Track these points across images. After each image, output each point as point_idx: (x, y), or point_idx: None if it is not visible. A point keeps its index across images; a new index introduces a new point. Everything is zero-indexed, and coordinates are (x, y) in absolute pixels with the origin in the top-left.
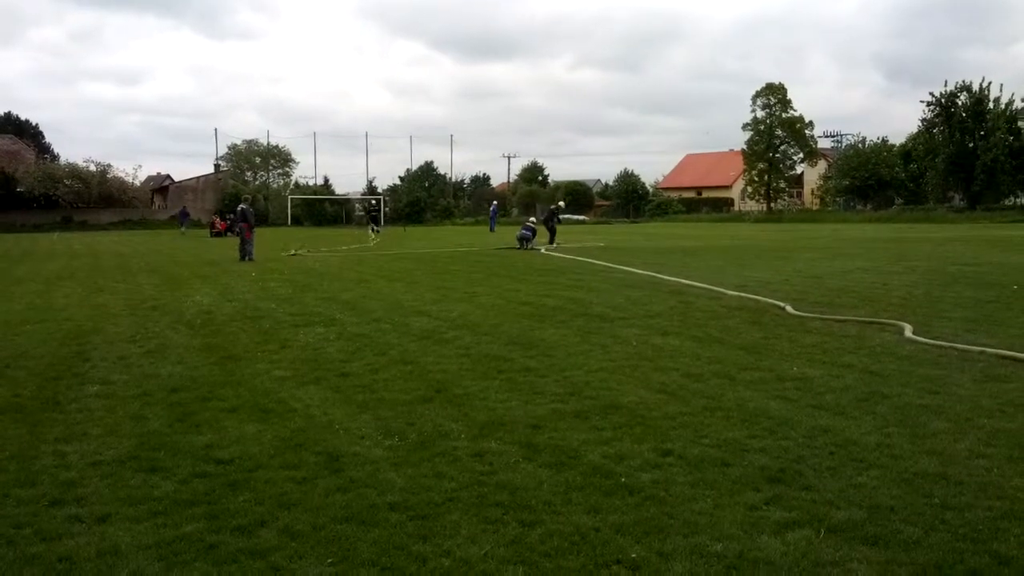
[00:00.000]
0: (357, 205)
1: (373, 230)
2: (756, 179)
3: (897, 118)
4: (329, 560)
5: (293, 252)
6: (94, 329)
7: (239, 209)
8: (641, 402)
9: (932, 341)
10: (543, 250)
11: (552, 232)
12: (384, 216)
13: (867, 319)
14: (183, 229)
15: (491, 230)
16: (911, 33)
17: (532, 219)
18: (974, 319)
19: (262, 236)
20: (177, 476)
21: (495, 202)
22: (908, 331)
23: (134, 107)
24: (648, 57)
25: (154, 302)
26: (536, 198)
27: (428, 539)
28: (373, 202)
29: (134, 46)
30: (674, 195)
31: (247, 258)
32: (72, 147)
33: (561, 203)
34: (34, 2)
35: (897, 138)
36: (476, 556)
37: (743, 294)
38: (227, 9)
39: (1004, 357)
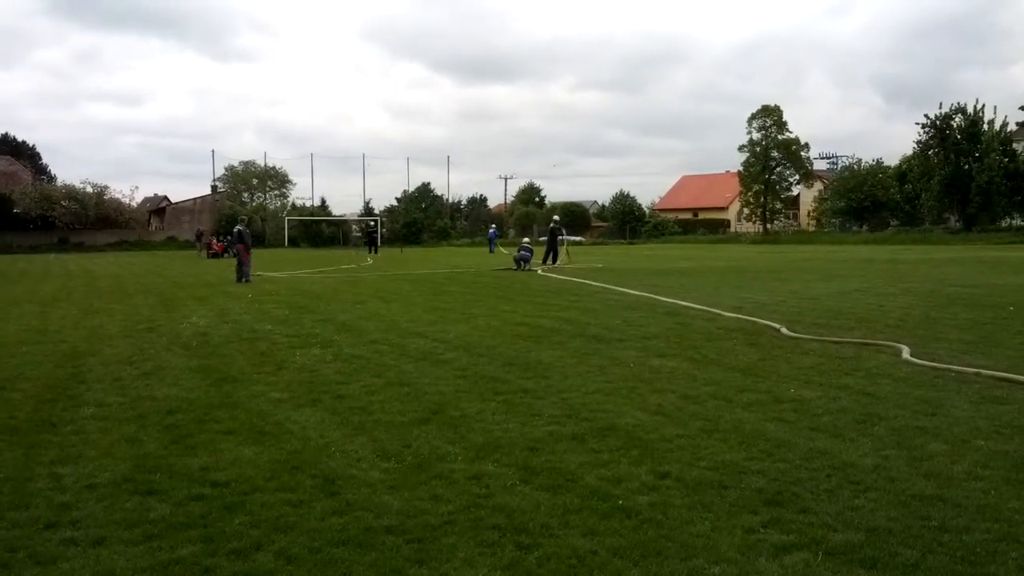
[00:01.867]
0: (354, 226)
1: (372, 250)
2: (752, 201)
3: (895, 139)
4: None
5: (257, 274)
6: (90, 351)
7: (236, 231)
8: (638, 424)
9: (928, 363)
10: (540, 271)
11: (554, 253)
12: (380, 237)
13: (864, 341)
14: (199, 251)
15: (491, 252)
16: (910, 54)
17: (526, 239)
18: (971, 341)
19: (259, 258)
20: (173, 499)
21: (493, 225)
22: (906, 353)
23: (134, 128)
24: (649, 79)
25: (150, 323)
26: (533, 219)
27: (425, 563)
28: (371, 224)
29: (137, 67)
30: (670, 216)
31: (244, 279)
32: (71, 168)
33: (556, 217)
34: (38, 23)
35: (895, 159)
36: None
37: (740, 315)
38: (230, 30)
39: (1001, 379)
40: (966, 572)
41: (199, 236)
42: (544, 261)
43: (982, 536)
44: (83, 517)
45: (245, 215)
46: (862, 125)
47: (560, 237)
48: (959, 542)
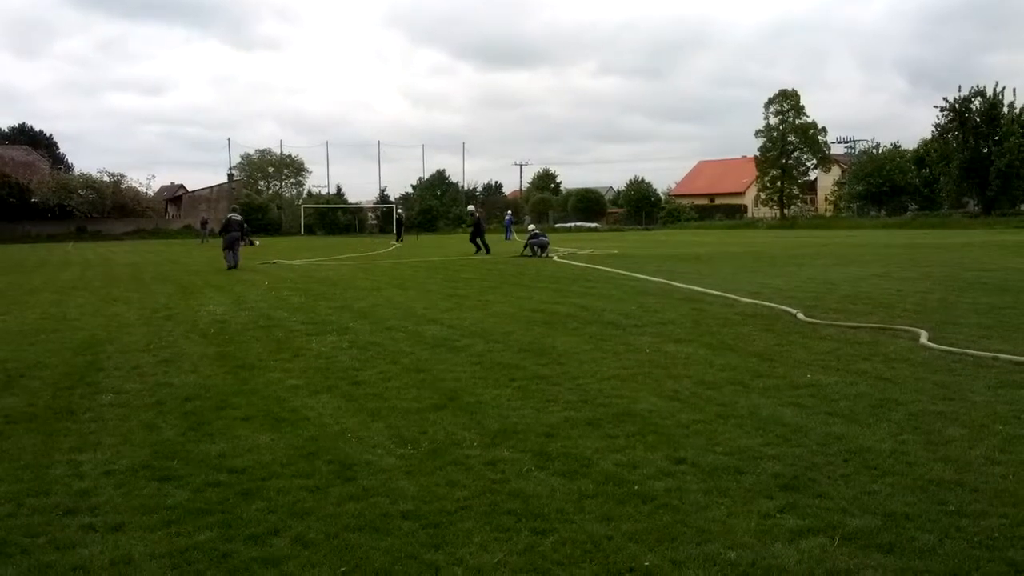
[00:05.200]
0: (370, 214)
1: (397, 238)
2: (769, 185)
3: (919, 123)
4: (342, 569)
5: (273, 262)
6: (108, 338)
7: (238, 219)
8: (654, 410)
9: (946, 347)
10: (556, 257)
11: (482, 242)
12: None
13: (881, 325)
14: (202, 239)
15: (507, 239)
16: (935, 38)
17: (532, 226)
18: (989, 325)
19: (275, 245)
20: (190, 485)
21: (509, 211)
22: (924, 337)
23: (156, 117)
24: (673, 64)
25: (168, 311)
26: (549, 206)
27: (440, 548)
28: (399, 212)
29: (161, 56)
30: (687, 202)
31: (234, 265)
32: (93, 157)
33: (471, 207)
34: (63, 13)
35: (916, 143)
36: (489, 565)
37: (756, 301)
38: (253, 18)
39: (1019, 363)
40: (984, 557)
41: (204, 224)
42: (477, 252)
43: (1000, 521)
44: (102, 503)
45: (236, 205)
46: (886, 109)
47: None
48: (977, 527)
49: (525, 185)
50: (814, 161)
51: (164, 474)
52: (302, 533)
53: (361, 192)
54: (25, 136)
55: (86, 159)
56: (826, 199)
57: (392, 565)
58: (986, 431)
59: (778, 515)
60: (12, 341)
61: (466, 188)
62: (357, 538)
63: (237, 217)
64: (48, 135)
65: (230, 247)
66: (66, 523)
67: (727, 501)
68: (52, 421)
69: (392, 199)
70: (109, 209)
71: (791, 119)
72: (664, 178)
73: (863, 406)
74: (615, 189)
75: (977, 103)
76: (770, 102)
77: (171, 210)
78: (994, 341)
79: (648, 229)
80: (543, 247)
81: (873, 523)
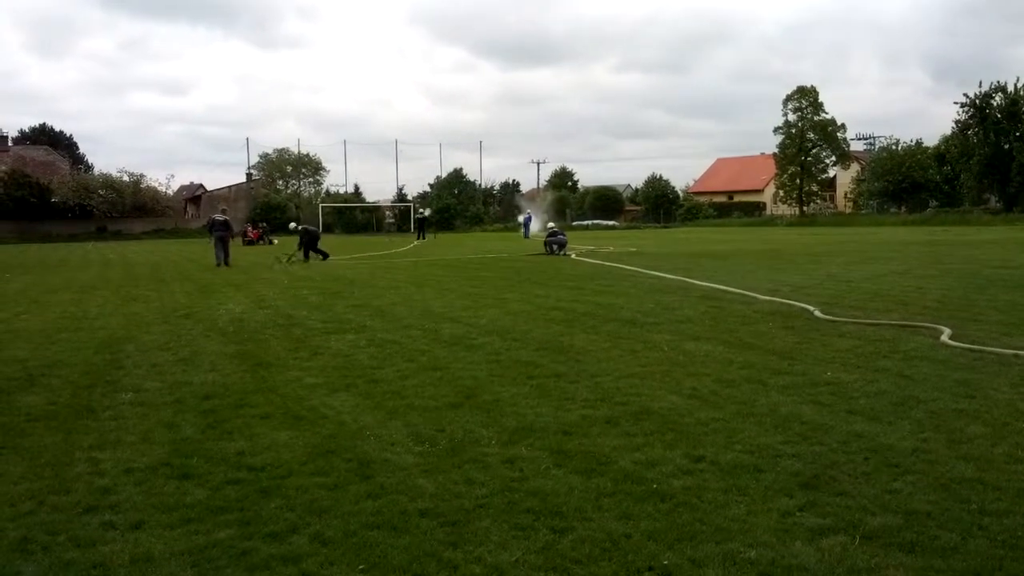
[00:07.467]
0: (387, 212)
1: (421, 236)
2: (788, 183)
3: (945, 118)
4: (360, 566)
5: (292, 260)
6: (127, 337)
7: (223, 220)
8: (673, 408)
9: (968, 345)
10: (574, 255)
11: (307, 250)
12: (415, 224)
13: (901, 323)
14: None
15: (525, 237)
16: (960, 32)
17: (551, 223)
18: (1011, 322)
19: (293, 243)
20: (210, 483)
21: (528, 211)
22: (945, 335)
23: (178, 117)
24: (694, 59)
25: (187, 310)
26: (566, 204)
27: (458, 546)
28: (420, 211)
29: (185, 55)
30: (705, 199)
31: (226, 263)
32: (113, 157)
33: (292, 224)
34: (88, 13)
35: (937, 139)
36: (507, 563)
37: (775, 298)
38: (276, 17)
39: None
40: (1007, 556)
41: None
42: (305, 258)
43: (1023, 519)
44: (121, 501)
45: (224, 206)
46: (910, 105)
47: (307, 234)
48: (1000, 525)
49: (542, 183)
50: (833, 158)
51: (183, 472)
52: (320, 531)
53: (379, 191)
54: (45, 136)
55: (107, 159)
56: (845, 196)
57: (410, 563)
58: (1008, 429)
59: (798, 513)
60: (33, 340)
61: (484, 186)
62: (375, 536)
63: (221, 217)
64: (68, 135)
65: (218, 245)
66: (86, 521)
67: (746, 499)
68: (72, 419)
69: (410, 198)
70: (129, 209)
71: (809, 116)
72: (683, 175)
73: (884, 404)
74: (633, 187)
75: (998, 98)
76: (788, 99)
77: (190, 209)
78: (1016, 338)
79: (666, 227)
80: (561, 245)
81: (894, 522)
